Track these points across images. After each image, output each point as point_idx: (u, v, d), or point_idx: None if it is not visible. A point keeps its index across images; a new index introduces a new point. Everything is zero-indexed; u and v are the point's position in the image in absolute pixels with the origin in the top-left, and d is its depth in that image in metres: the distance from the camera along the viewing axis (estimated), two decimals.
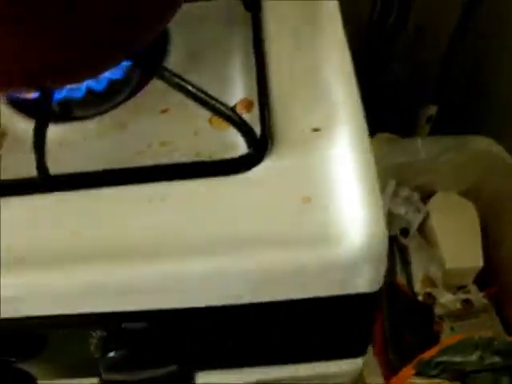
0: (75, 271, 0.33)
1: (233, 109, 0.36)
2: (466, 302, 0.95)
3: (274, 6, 0.42)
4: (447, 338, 0.92)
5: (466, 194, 1.01)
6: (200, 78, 0.38)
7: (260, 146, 0.35)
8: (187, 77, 0.37)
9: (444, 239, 0.96)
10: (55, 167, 0.36)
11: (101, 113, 0.40)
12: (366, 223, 0.30)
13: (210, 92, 0.36)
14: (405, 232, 0.98)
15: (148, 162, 0.37)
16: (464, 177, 0.99)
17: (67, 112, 0.40)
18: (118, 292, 0.33)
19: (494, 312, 0.96)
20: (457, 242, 0.97)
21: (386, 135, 0.94)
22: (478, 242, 0.97)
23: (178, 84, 0.36)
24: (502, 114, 0.99)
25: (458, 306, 0.96)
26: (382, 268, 0.30)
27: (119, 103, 0.40)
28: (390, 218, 0.96)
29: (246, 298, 0.33)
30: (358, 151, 0.34)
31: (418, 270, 0.97)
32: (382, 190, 0.94)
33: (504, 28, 0.90)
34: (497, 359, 0.82)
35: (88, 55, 0.33)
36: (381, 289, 0.31)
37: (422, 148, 0.95)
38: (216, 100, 0.36)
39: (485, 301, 0.96)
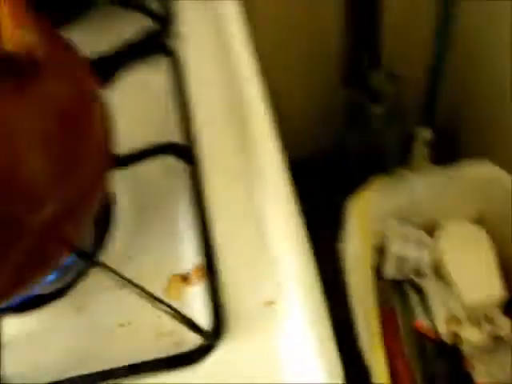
0: None
1: (177, 310, 0.34)
2: (495, 337, 0.90)
3: (213, 156, 0.40)
4: (480, 376, 0.88)
5: (472, 221, 0.97)
6: (150, 247, 0.38)
7: (211, 337, 0.33)
8: (134, 249, 0.37)
9: (459, 273, 0.92)
10: (13, 363, 0.36)
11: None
12: None
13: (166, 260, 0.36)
14: (418, 272, 0.95)
15: (107, 347, 0.36)
16: (468, 206, 0.95)
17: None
18: None
19: None
20: (472, 273, 0.93)
21: (381, 178, 0.91)
22: (495, 270, 0.93)
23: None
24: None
25: (486, 340, 0.92)
26: None
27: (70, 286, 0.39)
28: (400, 261, 0.93)
29: None
30: (315, 325, 0.32)
31: (440, 309, 0.93)
32: (385, 233, 0.91)
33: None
34: None
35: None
36: None
37: (421, 184, 0.92)
38: (157, 299, 0.34)
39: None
